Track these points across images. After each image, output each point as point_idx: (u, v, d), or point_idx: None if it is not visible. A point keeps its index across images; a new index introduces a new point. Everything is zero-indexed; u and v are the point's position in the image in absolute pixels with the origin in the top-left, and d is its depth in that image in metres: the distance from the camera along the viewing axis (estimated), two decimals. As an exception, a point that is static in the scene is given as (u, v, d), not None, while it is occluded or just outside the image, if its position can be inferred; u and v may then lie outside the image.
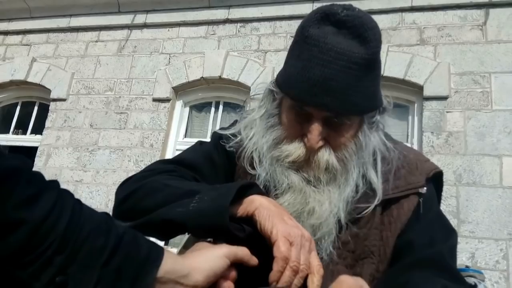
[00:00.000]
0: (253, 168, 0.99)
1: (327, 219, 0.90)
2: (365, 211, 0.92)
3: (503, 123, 3.81)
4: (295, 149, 0.93)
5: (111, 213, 0.97)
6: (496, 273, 3.41)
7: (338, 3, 0.92)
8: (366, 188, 0.94)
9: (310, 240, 0.80)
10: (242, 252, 0.75)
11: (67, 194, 0.56)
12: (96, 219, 0.57)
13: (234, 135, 1.05)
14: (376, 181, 0.93)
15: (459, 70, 4.10)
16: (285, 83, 0.94)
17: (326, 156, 0.92)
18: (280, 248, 0.75)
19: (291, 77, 0.91)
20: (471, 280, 1.25)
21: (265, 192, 0.93)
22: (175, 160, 1.05)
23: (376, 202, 0.92)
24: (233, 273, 0.75)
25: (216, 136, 1.09)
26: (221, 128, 1.12)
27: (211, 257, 0.69)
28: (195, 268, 0.66)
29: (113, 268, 0.55)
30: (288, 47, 0.97)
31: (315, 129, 0.90)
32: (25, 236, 0.49)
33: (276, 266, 0.75)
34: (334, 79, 0.85)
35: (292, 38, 0.96)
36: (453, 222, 3.48)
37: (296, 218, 0.88)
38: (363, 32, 0.87)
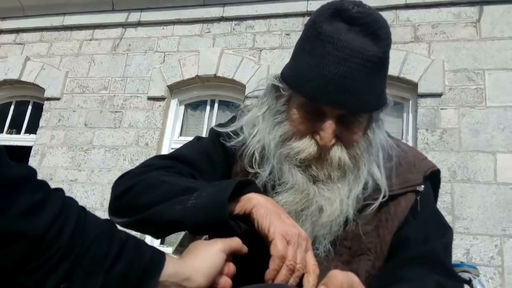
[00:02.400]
0: (252, 167, 0.97)
1: (338, 218, 0.90)
2: (371, 208, 0.92)
3: (497, 119, 3.82)
4: (306, 147, 0.91)
5: (107, 211, 0.97)
6: (490, 269, 3.43)
7: None
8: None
9: (306, 239, 0.80)
10: (235, 243, 0.75)
11: (72, 202, 0.57)
12: (100, 226, 0.58)
13: (235, 133, 1.03)
14: (380, 177, 0.93)
15: (453, 67, 4.11)
16: (295, 79, 0.92)
17: (338, 153, 0.91)
18: (277, 247, 0.75)
19: (302, 74, 0.89)
20: (465, 275, 1.25)
21: (263, 190, 0.91)
22: (172, 156, 1.03)
23: (381, 198, 0.92)
24: (231, 268, 0.75)
25: (213, 132, 1.08)
26: (219, 124, 1.10)
27: (209, 255, 0.70)
28: (196, 270, 0.67)
29: (117, 273, 0.56)
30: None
31: (329, 127, 0.88)
32: (26, 247, 0.49)
33: (273, 264, 0.75)
34: (349, 77, 0.84)
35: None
36: (448, 218, 3.50)
37: (294, 217, 0.87)
38: (376, 30, 0.86)
